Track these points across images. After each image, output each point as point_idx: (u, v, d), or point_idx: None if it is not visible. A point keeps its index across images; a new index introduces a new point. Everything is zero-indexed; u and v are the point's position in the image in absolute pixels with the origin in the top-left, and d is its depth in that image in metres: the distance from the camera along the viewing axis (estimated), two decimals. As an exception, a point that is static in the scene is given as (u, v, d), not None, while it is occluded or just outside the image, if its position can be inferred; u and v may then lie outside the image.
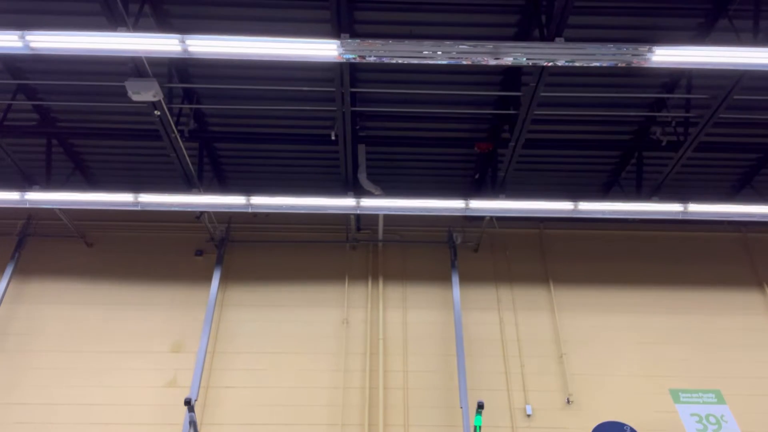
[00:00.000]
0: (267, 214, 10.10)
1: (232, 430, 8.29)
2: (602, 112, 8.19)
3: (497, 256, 10.04)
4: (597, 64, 5.68)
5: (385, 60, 5.62)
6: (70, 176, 9.40)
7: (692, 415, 8.45)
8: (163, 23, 6.88)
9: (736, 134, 8.65)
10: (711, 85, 7.54)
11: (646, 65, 5.69)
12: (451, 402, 8.50)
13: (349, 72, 6.78)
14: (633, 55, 5.59)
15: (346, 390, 8.62)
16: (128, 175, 9.60)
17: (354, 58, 5.61)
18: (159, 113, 6.89)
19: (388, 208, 8.19)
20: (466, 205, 8.03)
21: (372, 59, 5.61)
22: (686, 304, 9.64)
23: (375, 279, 9.65)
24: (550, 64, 5.76)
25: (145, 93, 6.29)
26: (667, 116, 8.11)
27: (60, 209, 8.99)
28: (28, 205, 7.98)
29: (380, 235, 9.78)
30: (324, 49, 5.57)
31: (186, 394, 8.19)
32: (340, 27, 6.07)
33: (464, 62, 5.65)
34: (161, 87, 6.42)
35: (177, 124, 7.63)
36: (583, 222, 10.34)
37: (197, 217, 9.18)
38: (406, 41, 5.56)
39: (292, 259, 9.78)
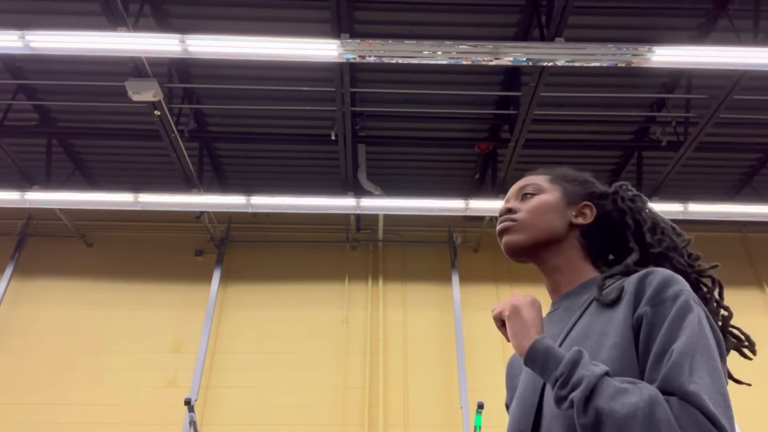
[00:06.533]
0: (267, 214, 10.08)
1: (232, 430, 8.29)
2: (602, 112, 8.18)
3: (497, 256, 10.02)
4: (597, 64, 5.68)
5: (385, 60, 5.63)
6: (70, 176, 9.40)
7: (692, 415, 8.44)
8: (163, 23, 6.88)
9: (736, 134, 8.64)
10: (711, 85, 7.53)
11: (646, 65, 5.70)
12: (451, 402, 8.50)
13: (349, 72, 6.78)
14: (633, 55, 5.59)
15: (346, 390, 8.61)
16: (128, 175, 9.59)
17: (354, 58, 5.61)
18: (159, 113, 6.89)
19: (388, 208, 8.19)
20: (466, 205, 8.04)
21: (372, 59, 5.61)
22: (686, 304, 9.62)
23: (375, 279, 9.64)
24: (550, 64, 5.77)
25: (145, 93, 6.29)
26: (667, 116, 8.11)
27: (60, 209, 8.98)
28: (28, 205, 7.97)
29: (380, 235, 9.78)
30: (324, 49, 5.57)
31: (186, 394, 8.17)
32: (340, 27, 6.07)
33: (464, 62, 5.66)
34: (161, 87, 6.42)
35: (177, 124, 7.63)
36: (583, 222, 10.32)
37: (197, 217, 9.17)
38: (406, 41, 5.57)
39: (292, 259, 9.77)
